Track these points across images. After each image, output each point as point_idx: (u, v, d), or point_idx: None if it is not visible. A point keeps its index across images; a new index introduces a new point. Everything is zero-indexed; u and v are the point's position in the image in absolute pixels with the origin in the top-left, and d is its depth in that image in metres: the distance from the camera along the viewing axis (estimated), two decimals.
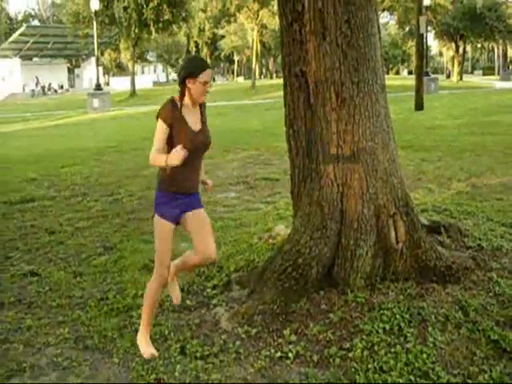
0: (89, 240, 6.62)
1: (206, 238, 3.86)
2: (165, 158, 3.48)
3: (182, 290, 4.73)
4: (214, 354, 3.74)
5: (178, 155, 3.43)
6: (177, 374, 3.54)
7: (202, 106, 3.84)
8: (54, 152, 14.79)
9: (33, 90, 63.36)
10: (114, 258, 5.87)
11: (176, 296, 4.20)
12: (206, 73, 3.62)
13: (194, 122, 3.72)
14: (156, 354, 3.76)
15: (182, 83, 3.64)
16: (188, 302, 4.54)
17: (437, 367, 3.41)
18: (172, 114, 3.61)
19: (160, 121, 3.60)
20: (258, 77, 62.77)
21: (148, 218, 7.46)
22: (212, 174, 10.45)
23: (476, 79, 65.83)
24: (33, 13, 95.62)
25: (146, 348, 3.80)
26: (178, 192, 3.79)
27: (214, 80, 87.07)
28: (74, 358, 3.81)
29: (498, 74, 75.21)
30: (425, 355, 3.51)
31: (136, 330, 4.10)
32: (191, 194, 3.88)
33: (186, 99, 3.68)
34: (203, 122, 3.82)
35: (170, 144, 3.62)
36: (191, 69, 3.62)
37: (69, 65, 78.91)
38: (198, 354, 3.73)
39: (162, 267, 3.81)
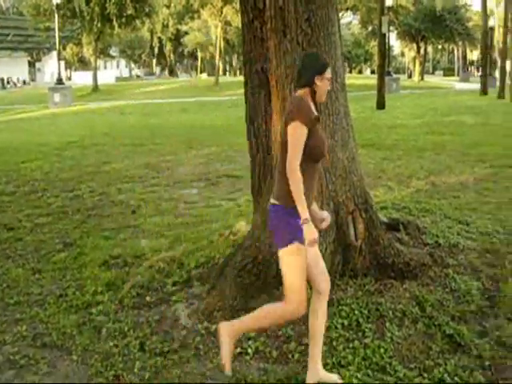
0: (48, 236, 6.53)
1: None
2: (302, 209, 3.00)
3: (141, 287, 4.72)
4: (174, 350, 3.73)
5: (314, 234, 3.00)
6: (136, 370, 3.52)
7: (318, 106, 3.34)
8: (13, 147, 14.51)
9: (2, 81, 62.01)
10: (74, 254, 5.80)
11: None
12: (329, 69, 3.26)
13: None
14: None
15: (311, 81, 3.18)
16: (148, 298, 4.52)
17: (394, 361, 3.47)
18: (312, 115, 3.12)
19: (300, 124, 3.06)
20: (221, 74, 62.62)
21: (109, 214, 7.42)
22: (174, 170, 10.43)
23: (437, 80, 66.86)
24: None
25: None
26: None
27: (177, 76, 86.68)
28: (32, 355, 3.76)
29: (458, 75, 76.59)
30: (382, 350, 3.58)
31: (95, 327, 4.07)
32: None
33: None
34: None
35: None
36: (319, 66, 3.22)
37: (29, 58, 77.51)
38: (158, 351, 3.73)
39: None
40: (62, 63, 46.46)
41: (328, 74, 3.24)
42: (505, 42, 34.28)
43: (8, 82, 65.77)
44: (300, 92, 3.21)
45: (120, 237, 6.35)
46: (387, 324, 3.87)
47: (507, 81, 32.84)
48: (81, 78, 68.99)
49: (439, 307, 4.10)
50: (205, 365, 3.57)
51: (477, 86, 37.52)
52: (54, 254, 5.87)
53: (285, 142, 3.14)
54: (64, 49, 67.74)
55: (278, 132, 4.49)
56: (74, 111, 29.62)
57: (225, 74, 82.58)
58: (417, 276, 4.53)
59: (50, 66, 70.96)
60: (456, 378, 3.30)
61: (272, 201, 3.29)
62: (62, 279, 5.15)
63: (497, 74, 40.92)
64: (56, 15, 34.55)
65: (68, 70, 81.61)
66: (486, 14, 35.59)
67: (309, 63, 3.25)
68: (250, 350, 3.66)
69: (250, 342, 3.74)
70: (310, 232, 2.99)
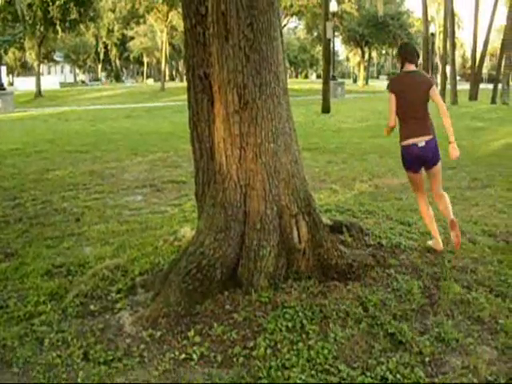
0: None
1: None
2: (451, 134, 5.41)
3: (85, 295, 4.65)
4: (118, 358, 3.69)
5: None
6: (79, 380, 3.46)
7: None
8: None
9: None
10: (16, 264, 5.65)
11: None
12: None
13: None
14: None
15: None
16: (92, 307, 4.45)
17: (337, 362, 3.52)
18: None
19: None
20: (168, 79, 62.24)
21: (52, 222, 7.27)
22: (119, 177, 10.32)
23: (381, 84, 68.11)
24: None
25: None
26: None
27: (123, 82, 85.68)
28: None
29: None
30: (326, 351, 3.62)
31: (37, 338, 3.99)
32: None
33: None
34: None
35: None
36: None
37: None
38: (102, 359, 3.67)
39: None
40: (4, 68, 45.37)
41: None
42: (444, 48, 35.31)
43: None
44: (418, 67, 5.38)
45: (63, 245, 6.23)
46: (331, 325, 3.92)
47: (447, 85, 33.82)
48: (23, 84, 67.36)
49: (382, 307, 4.18)
50: (150, 372, 3.53)
51: None
52: None
53: (426, 98, 5.30)
54: (5, 53, 66.07)
55: (222, 137, 4.53)
56: (16, 118, 28.91)
57: (172, 79, 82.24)
58: (360, 277, 4.60)
59: None
60: (398, 375, 3.37)
61: (428, 137, 5.33)
62: (2, 290, 5.01)
63: (438, 78, 42.03)
64: None
65: (10, 76, 79.69)
66: (426, 20, 36.60)
67: (414, 48, 5.49)
68: (194, 356, 3.65)
69: (194, 348, 3.73)
70: (455, 149, 5.38)
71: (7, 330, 4.15)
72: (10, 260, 5.85)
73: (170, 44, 63.53)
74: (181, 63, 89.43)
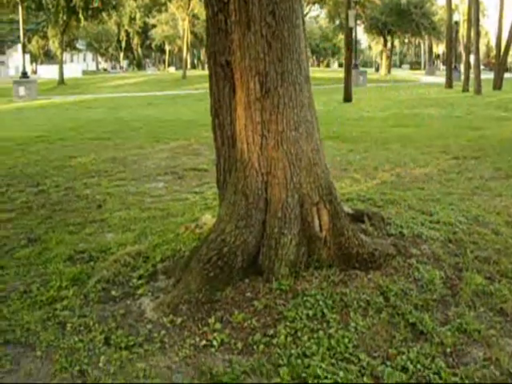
0: (12, 232, 6.43)
1: None
2: None
3: (107, 281, 4.69)
4: (139, 343, 3.72)
5: None
6: (101, 364, 3.50)
7: None
8: None
9: None
10: (39, 249, 5.73)
11: None
12: None
13: None
14: None
15: None
16: (113, 292, 4.48)
17: (357, 351, 3.52)
18: None
19: None
20: (189, 67, 62.33)
21: (74, 209, 7.35)
22: (140, 164, 10.37)
23: (403, 73, 67.58)
24: None
25: None
26: None
27: (144, 70, 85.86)
28: None
29: (425, 68, 77.48)
30: (346, 339, 3.61)
31: (60, 322, 4.04)
32: None
33: None
34: None
35: None
36: None
37: None
38: (123, 345, 3.70)
39: None
40: (27, 56, 45.81)
41: None
42: (468, 37, 34.84)
43: None
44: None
45: (86, 231, 6.29)
46: (351, 314, 3.91)
47: (471, 74, 33.39)
48: (47, 72, 67.96)
49: (403, 296, 4.16)
50: (170, 358, 3.56)
51: (442, 79, 38.04)
52: (18, 250, 5.78)
53: None
54: (29, 42, 66.59)
55: (243, 125, 4.53)
56: (39, 105, 29.20)
57: (193, 67, 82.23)
58: (381, 266, 4.58)
59: (15, 60, 69.69)
60: (418, 366, 3.35)
61: None
62: (26, 275, 5.08)
63: (462, 67, 41.53)
64: (20, 7, 33.97)
65: (33, 64, 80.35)
66: (450, 8, 36.14)
67: None
68: (215, 343, 3.67)
69: (215, 334, 3.75)
70: None
71: (30, 314, 4.20)
72: (33, 245, 5.92)
73: (192, 32, 63.53)
74: (202, 51, 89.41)
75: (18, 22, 36.39)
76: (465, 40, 39.76)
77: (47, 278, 4.91)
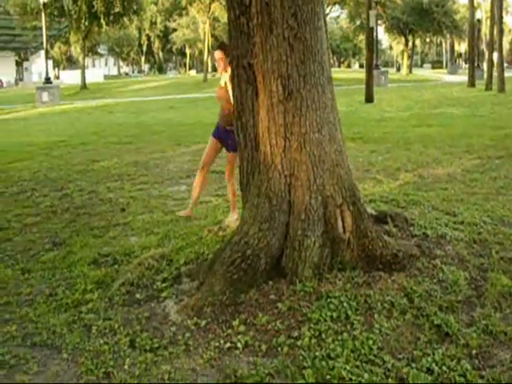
0: (37, 236, 6.52)
1: None
2: None
3: (131, 284, 4.73)
4: (164, 346, 3.74)
5: None
6: (126, 367, 3.53)
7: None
8: (1, 147, 14.45)
9: None
10: (63, 253, 5.79)
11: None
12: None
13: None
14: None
15: None
16: (138, 295, 4.52)
17: (382, 352, 3.50)
18: None
19: None
20: (210, 70, 62.57)
21: (98, 212, 7.41)
22: (163, 167, 10.43)
23: (425, 72, 67.16)
24: None
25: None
26: None
27: (165, 73, 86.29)
28: (22, 355, 3.74)
29: (446, 67, 76.91)
30: (371, 341, 3.60)
31: (85, 325, 4.08)
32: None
33: None
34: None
35: None
36: None
37: (17, 58, 77.10)
38: (148, 347, 3.73)
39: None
40: (50, 62, 46.34)
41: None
42: (491, 34, 34.45)
43: None
44: None
45: (109, 235, 6.35)
46: (376, 316, 3.90)
47: (494, 72, 33.04)
48: (69, 77, 68.72)
49: (427, 298, 4.12)
50: (195, 360, 3.57)
51: (465, 78, 37.72)
52: (43, 254, 5.86)
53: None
54: (52, 48, 67.49)
55: (266, 127, 4.53)
56: (61, 110, 29.51)
57: (214, 70, 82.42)
58: (405, 267, 4.55)
59: (38, 66, 70.60)
60: (444, 367, 3.32)
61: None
62: (51, 278, 5.14)
63: (484, 65, 41.13)
64: (43, 14, 34.40)
65: (56, 69, 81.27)
66: (472, 6, 35.75)
67: None
68: (239, 345, 3.67)
69: (239, 337, 3.76)
70: None
71: (56, 317, 4.25)
72: (58, 249, 5.99)
73: (213, 35, 63.72)
74: None
75: (41, 28, 36.79)
76: (487, 38, 39.31)
77: (72, 282, 4.97)
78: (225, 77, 5.97)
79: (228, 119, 5.82)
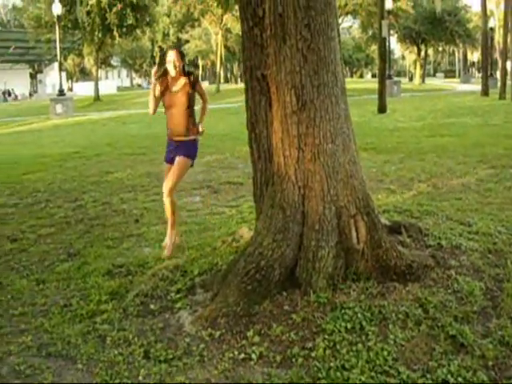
0: (52, 247, 6.56)
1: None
2: None
3: (145, 295, 4.74)
4: (178, 357, 3.75)
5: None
6: (140, 377, 3.54)
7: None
8: (15, 159, 14.58)
9: (3, 94, 62.20)
10: (78, 264, 5.82)
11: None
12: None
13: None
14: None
15: None
16: (152, 306, 4.53)
17: (397, 363, 3.48)
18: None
19: None
20: (223, 81, 62.78)
21: (112, 224, 7.45)
22: None
23: (438, 82, 67.00)
24: None
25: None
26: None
27: None
28: (37, 365, 3.77)
29: (459, 76, 76.68)
30: (386, 352, 3.58)
31: (100, 336, 4.10)
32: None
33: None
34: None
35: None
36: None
37: (31, 70, 77.86)
38: (162, 358, 3.74)
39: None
40: (64, 74, 46.73)
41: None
42: (505, 43, 34.33)
43: (9, 95, 65.93)
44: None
45: (123, 246, 6.38)
46: (390, 326, 3.88)
47: (508, 81, 32.88)
48: (82, 89, 69.22)
49: (442, 308, 4.10)
50: (209, 371, 3.58)
51: (478, 87, 37.57)
52: (57, 265, 5.89)
53: None
54: (65, 60, 68.04)
55: (280, 138, 4.55)
56: (75, 122, 29.72)
57: (226, 81, 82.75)
58: (419, 278, 4.53)
59: (52, 78, 71.23)
60: (459, 379, 3.30)
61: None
62: (66, 289, 5.17)
63: (498, 74, 40.96)
64: (57, 27, 34.75)
65: (69, 81, 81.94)
66: (485, 14, 35.63)
67: None
68: (253, 356, 3.67)
69: (253, 348, 3.75)
70: None
71: (71, 328, 4.28)
72: (72, 260, 6.03)
73: (225, 46, 63.99)
74: (235, 66, 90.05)
75: (55, 41, 37.16)
76: (501, 46, 39.13)
77: (86, 292, 4.99)
78: (181, 82, 5.76)
79: (179, 128, 5.82)
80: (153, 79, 5.79)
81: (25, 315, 4.62)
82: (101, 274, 5.39)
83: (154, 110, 6.01)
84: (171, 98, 5.74)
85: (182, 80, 5.73)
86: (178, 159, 5.88)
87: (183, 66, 5.75)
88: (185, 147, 5.86)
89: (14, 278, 5.53)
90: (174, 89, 5.76)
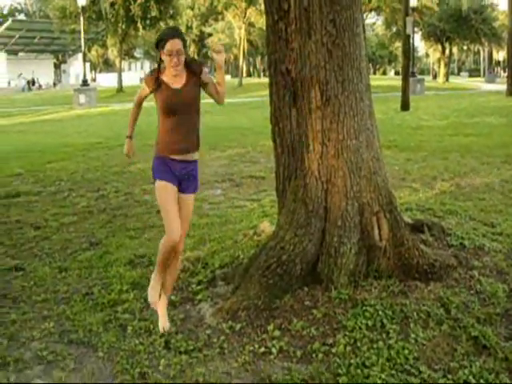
0: (74, 235, 6.62)
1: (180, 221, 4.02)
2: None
3: None
4: (199, 348, 3.77)
5: None
6: (161, 368, 3.57)
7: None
8: (39, 147, 14.71)
9: (28, 83, 62.76)
10: (100, 253, 5.87)
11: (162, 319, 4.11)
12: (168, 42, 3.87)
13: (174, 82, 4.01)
14: (159, 311, 4.10)
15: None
16: (173, 297, 4.55)
17: (418, 363, 3.47)
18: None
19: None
20: (245, 75, 62.74)
21: (134, 214, 7.49)
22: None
23: (462, 81, 66.32)
24: (19, 7, 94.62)
25: (153, 299, 4.07)
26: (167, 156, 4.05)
27: None
28: (59, 351, 3.82)
29: (484, 75, 75.84)
30: (406, 351, 3.57)
31: (121, 325, 4.13)
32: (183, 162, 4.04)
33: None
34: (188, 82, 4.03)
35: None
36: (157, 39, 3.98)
37: (55, 60, 78.44)
38: (183, 349, 3.76)
39: (168, 229, 3.99)
40: (87, 65, 46.96)
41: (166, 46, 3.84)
42: None
43: (33, 84, 66.51)
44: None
45: (145, 236, 6.42)
46: (411, 325, 3.86)
47: None
48: (105, 80, 69.53)
49: (464, 309, 4.07)
50: (229, 363, 3.59)
51: (503, 87, 37.05)
52: (80, 253, 5.95)
53: None
54: (89, 51, 68.34)
55: (303, 133, 4.53)
56: (98, 112, 29.90)
57: (249, 75, 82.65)
58: (441, 277, 4.50)
59: (76, 68, 71.75)
60: (481, 380, 3.28)
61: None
62: (87, 277, 5.22)
63: None
64: (81, 18, 34.96)
65: (93, 72, 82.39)
66: None
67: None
68: (274, 350, 3.68)
69: (274, 342, 3.76)
70: None
71: (92, 316, 4.32)
72: (94, 249, 6.08)
73: (248, 40, 63.93)
74: (258, 59, 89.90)
75: (79, 31, 37.36)
76: None
77: (108, 281, 5.04)
78: (183, 75, 4.00)
79: (188, 141, 4.05)
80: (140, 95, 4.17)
81: (47, 302, 4.68)
82: (122, 264, 5.44)
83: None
84: (173, 98, 3.95)
85: (184, 73, 4.02)
86: (191, 197, 4.18)
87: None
88: (195, 174, 4.12)
89: (37, 265, 5.59)
90: (176, 86, 3.98)
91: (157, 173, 4.08)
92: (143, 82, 4.10)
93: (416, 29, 51.14)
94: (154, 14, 45.37)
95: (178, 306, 4.44)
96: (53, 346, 3.92)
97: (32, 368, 3.65)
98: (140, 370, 3.54)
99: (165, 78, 4.00)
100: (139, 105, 4.28)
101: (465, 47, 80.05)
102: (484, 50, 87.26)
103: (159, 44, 3.91)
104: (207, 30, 73.27)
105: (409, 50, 26.09)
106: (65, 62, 79.79)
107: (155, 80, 3.99)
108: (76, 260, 5.72)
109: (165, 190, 3.98)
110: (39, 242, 6.39)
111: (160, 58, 3.98)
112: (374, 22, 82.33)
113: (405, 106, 23.61)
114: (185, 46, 3.96)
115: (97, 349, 3.86)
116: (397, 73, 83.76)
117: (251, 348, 3.72)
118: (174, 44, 3.84)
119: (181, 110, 3.98)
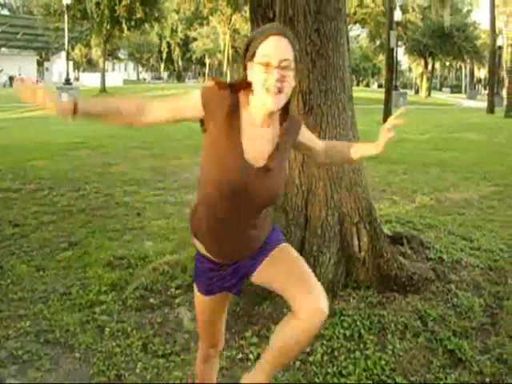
0: (53, 234, 6.55)
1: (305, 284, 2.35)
2: None
3: (145, 288, 4.74)
4: (176, 352, 3.76)
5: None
6: (138, 370, 3.55)
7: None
8: (20, 145, 14.56)
9: (10, 79, 62.08)
10: (78, 253, 5.82)
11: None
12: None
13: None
14: None
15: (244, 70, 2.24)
16: (151, 300, 4.54)
17: (394, 373, 3.50)
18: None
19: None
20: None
21: (113, 215, 7.45)
22: (179, 175, 10.47)
23: (444, 96, 67.05)
24: (2, 1, 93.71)
25: None
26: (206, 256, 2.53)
27: (184, 82, 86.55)
28: (35, 351, 3.78)
29: (465, 92, 76.78)
30: (383, 362, 3.60)
31: (98, 326, 4.11)
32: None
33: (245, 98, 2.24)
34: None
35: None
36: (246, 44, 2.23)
37: (38, 57, 77.81)
38: (160, 352, 3.75)
39: (200, 340, 2.94)
40: (71, 64, 46.68)
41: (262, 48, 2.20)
42: None
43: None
44: None
45: (124, 238, 6.38)
46: (389, 336, 3.90)
47: None
48: (88, 80, 69.14)
49: (441, 322, 4.12)
50: None
51: (483, 104, 37.62)
52: (58, 253, 5.89)
53: None
54: (73, 49, 68.04)
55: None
56: None
57: None
58: (419, 290, 4.55)
59: (59, 66, 71.21)
60: None
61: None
62: (66, 277, 5.18)
63: (504, 92, 41.00)
64: (66, 16, 34.75)
65: (76, 71, 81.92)
66: (494, 32, 35.63)
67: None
68: (251, 356, 3.69)
69: (251, 348, 3.77)
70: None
71: (70, 316, 4.28)
72: (73, 249, 6.02)
73: (233, 47, 64.03)
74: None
75: (63, 29, 37.16)
76: (508, 64, 39.24)
77: (86, 282, 4.99)
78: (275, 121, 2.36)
79: (258, 229, 2.46)
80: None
81: (24, 300, 4.62)
82: (101, 265, 5.40)
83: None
84: (252, 151, 2.29)
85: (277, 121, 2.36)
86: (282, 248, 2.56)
87: None
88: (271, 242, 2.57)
89: (15, 262, 5.53)
90: (259, 132, 2.30)
91: (194, 271, 2.72)
92: (200, 90, 2.31)
93: (400, 43, 51.58)
94: (139, 15, 45.24)
95: (156, 309, 4.42)
96: (29, 345, 3.87)
97: (7, 367, 3.61)
98: (117, 372, 3.53)
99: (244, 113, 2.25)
100: (151, 116, 2.41)
101: (447, 63, 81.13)
102: (466, 67, 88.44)
103: (249, 48, 2.22)
104: (192, 34, 73.29)
105: (392, 64, 26.34)
106: (48, 59, 79.16)
107: (229, 99, 2.24)
108: (55, 259, 5.67)
109: (201, 304, 2.76)
110: (17, 240, 6.31)
111: (245, 78, 2.25)
112: (358, 35, 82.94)
113: (387, 118, 23.72)
114: (296, 60, 2.25)
115: (73, 349, 3.83)
116: (380, 85, 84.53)
117: (228, 354, 3.72)
118: (278, 46, 2.18)
119: (247, 198, 2.29)
